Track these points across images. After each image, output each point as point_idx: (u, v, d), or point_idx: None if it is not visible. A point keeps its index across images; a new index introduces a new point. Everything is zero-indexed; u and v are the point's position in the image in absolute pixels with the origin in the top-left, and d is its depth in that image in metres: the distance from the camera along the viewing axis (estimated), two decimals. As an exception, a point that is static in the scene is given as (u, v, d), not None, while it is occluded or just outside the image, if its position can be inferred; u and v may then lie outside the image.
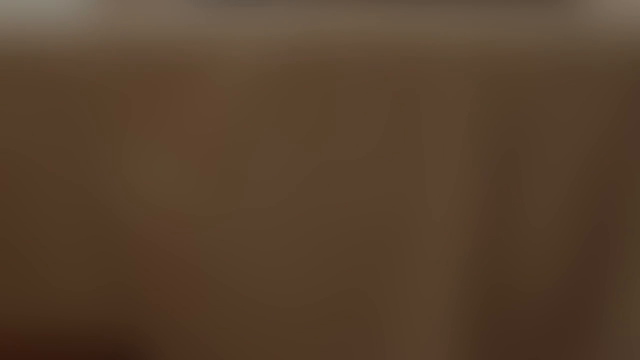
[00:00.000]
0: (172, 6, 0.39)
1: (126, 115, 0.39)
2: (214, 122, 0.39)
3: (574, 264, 0.40)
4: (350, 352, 0.40)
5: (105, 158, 0.40)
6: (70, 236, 0.41)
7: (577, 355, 0.40)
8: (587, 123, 0.37)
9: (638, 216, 0.39)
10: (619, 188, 0.39)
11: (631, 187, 0.39)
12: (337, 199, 0.40)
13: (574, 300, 0.40)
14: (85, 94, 0.39)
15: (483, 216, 0.39)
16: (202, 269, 0.40)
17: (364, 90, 0.37)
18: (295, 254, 0.40)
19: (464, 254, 0.39)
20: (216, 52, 0.37)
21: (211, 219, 0.40)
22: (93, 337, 0.41)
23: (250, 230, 0.40)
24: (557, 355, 0.40)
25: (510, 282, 0.40)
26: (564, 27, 0.36)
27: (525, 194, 0.39)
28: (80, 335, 0.41)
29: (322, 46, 0.36)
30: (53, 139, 0.40)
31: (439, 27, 0.36)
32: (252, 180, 0.40)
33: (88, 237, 0.41)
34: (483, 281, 0.40)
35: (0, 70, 0.38)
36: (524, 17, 0.37)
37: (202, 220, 0.40)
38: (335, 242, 0.40)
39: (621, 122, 0.37)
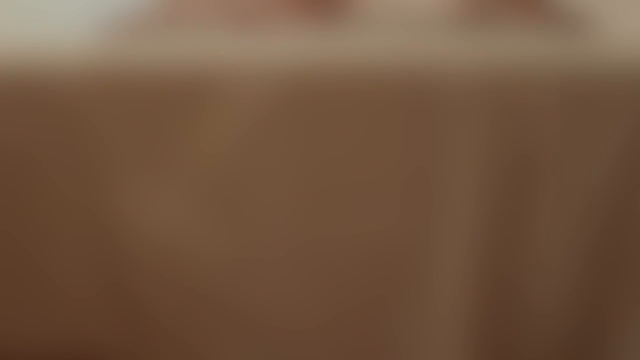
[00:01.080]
0: (173, 38, 0.39)
1: (130, 146, 0.39)
2: (219, 154, 0.39)
3: (583, 293, 0.40)
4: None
5: (109, 189, 0.41)
6: (74, 268, 0.42)
7: None
8: (599, 150, 0.38)
9: None
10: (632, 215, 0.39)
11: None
12: (345, 230, 0.40)
13: (583, 328, 0.41)
14: (91, 124, 0.39)
15: (493, 245, 0.40)
16: (206, 299, 0.41)
17: (372, 119, 0.37)
18: (301, 285, 0.41)
19: (474, 282, 0.40)
20: (221, 84, 0.37)
21: (216, 250, 0.41)
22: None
23: (257, 263, 0.41)
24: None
25: (519, 316, 0.40)
26: (576, 53, 0.36)
27: (537, 222, 0.39)
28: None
29: (328, 75, 0.37)
30: (58, 166, 0.41)
31: (449, 53, 0.36)
32: (258, 214, 0.41)
33: (92, 267, 0.42)
34: (492, 313, 0.41)
35: (10, 97, 0.38)
36: (536, 45, 0.37)
37: (206, 251, 0.41)
38: (343, 272, 0.41)
39: (633, 148, 0.38)
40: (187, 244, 0.42)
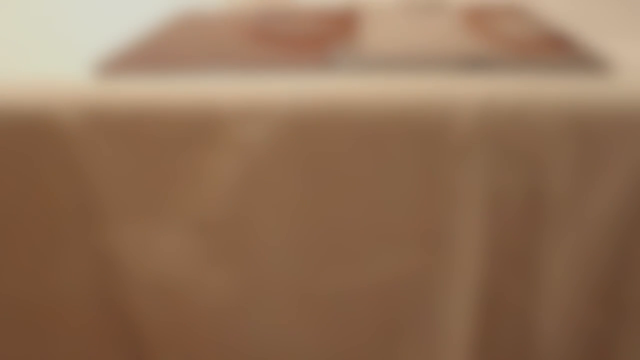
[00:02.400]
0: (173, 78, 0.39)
1: (129, 185, 0.40)
2: (220, 193, 0.39)
3: (589, 331, 0.40)
4: None
5: (108, 227, 0.41)
6: (74, 303, 0.42)
7: None
8: (607, 187, 0.38)
9: None
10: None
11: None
12: (349, 271, 0.41)
13: None
14: (90, 163, 0.39)
15: (499, 283, 0.40)
16: (207, 339, 0.41)
17: (376, 159, 0.37)
18: (302, 325, 0.41)
19: (480, 321, 0.40)
20: (222, 123, 0.37)
21: (217, 290, 0.41)
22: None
23: (259, 303, 0.41)
24: None
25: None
26: (585, 91, 0.37)
27: (543, 260, 0.40)
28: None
29: (330, 114, 0.37)
30: (58, 204, 0.41)
31: (455, 91, 0.36)
32: (260, 254, 0.41)
33: (92, 303, 0.42)
34: (498, 351, 0.41)
35: (11, 135, 0.38)
36: (544, 82, 0.37)
37: (207, 290, 0.41)
38: (346, 314, 0.41)
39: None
40: (187, 284, 0.41)
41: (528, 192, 0.38)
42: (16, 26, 0.50)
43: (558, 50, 0.41)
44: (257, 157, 0.38)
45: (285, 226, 0.40)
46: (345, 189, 0.39)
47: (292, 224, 0.40)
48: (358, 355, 0.40)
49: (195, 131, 0.38)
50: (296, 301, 0.41)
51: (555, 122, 0.36)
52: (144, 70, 0.39)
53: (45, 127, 0.38)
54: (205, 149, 0.38)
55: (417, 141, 0.37)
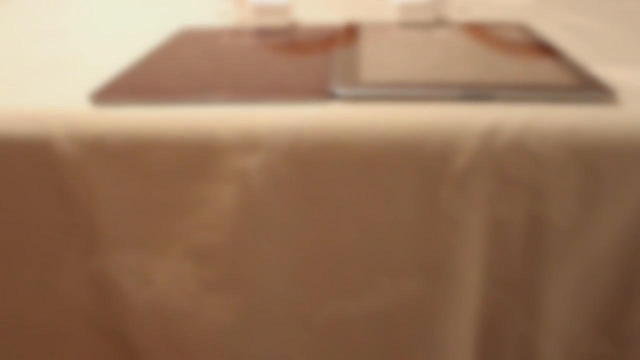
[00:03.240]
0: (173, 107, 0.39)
1: (128, 213, 0.39)
2: (220, 221, 0.39)
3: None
4: None
5: (107, 255, 0.41)
6: (74, 328, 0.42)
7: None
8: (608, 216, 0.37)
9: None
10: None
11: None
12: (351, 297, 0.40)
13: None
14: (89, 191, 0.39)
15: (501, 310, 0.40)
16: None
17: (377, 188, 0.37)
18: (307, 356, 0.41)
19: (481, 348, 0.40)
20: (223, 152, 0.37)
21: (217, 316, 0.40)
22: None
23: (260, 330, 0.41)
24: None
25: None
26: (591, 120, 0.36)
27: (545, 288, 0.39)
28: None
29: (330, 144, 0.36)
30: (58, 232, 0.41)
31: (455, 119, 0.36)
32: (261, 281, 0.40)
33: (92, 328, 0.42)
34: None
35: (14, 163, 0.38)
36: (548, 111, 0.36)
37: (206, 317, 0.41)
38: (347, 340, 0.41)
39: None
40: (184, 311, 0.41)
41: (529, 221, 0.37)
42: (14, 54, 0.50)
43: (561, 77, 0.40)
44: (255, 185, 0.37)
45: (283, 254, 0.40)
46: (344, 218, 0.38)
47: (290, 252, 0.39)
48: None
49: (191, 160, 0.37)
50: (295, 329, 0.41)
51: (557, 152, 0.35)
52: (141, 99, 0.39)
53: (43, 154, 0.38)
54: (202, 178, 0.38)
55: (417, 171, 0.36)
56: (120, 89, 0.40)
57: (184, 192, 0.38)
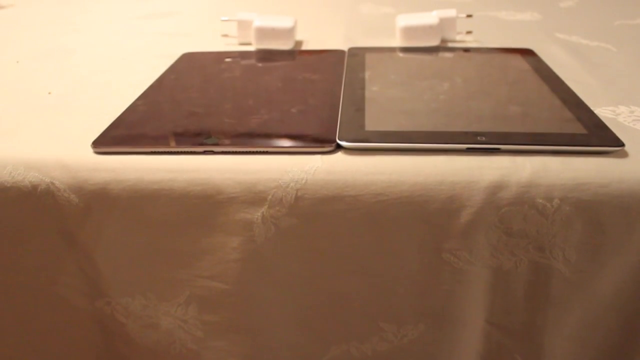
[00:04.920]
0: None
1: (130, 259, 0.39)
2: (223, 268, 0.39)
3: None
4: None
5: (110, 298, 0.41)
6: None
7: None
8: (611, 263, 0.37)
9: None
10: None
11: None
12: (354, 343, 0.41)
13: None
14: (92, 237, 0.39)
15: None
16: None
17: (381, 237, 0.37)
18: None
19: None
20: (225, 200, 0.36)
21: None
22: None
23: None
24: None
25: None
26: (596, 172, 0.36)
27: (545, 332, 0.39)
28: None
29: (333, 193, 0.36)
30: (63, 274, 0.41)
31: (461, 172, 0.36)
32: (264, 327, 0.41)
33: None
34: None
35: (20, 206, 0.38)
36: (551, 162, 0.36)
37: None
38: None
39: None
40: (191, 353, 0.41)
41: (532, 270, 0.37)
42: (17, 102, 0.49)
43: (568, 124, 0.39)
44: (259, 236, 0.37)
45: (287, 301, 0.40)
46: (349, 267, 0.38)
47: (294, 298, 0.40)
48: None
49: (196, 212, 0.37)
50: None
51: (562, 206, 0.35)
52: (143, 149, 0.38)
53: (46, 202, 0.38)
54: (206, 229, 0.38)
55: (422, 224, 0.36)
56: (122, 137, 0.39)
57: (188, 241, 0.38)
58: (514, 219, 0.36)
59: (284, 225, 0.37)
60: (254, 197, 0.36)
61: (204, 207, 0.37)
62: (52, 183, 0.38)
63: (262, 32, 0.59)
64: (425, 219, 0.36)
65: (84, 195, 0.37)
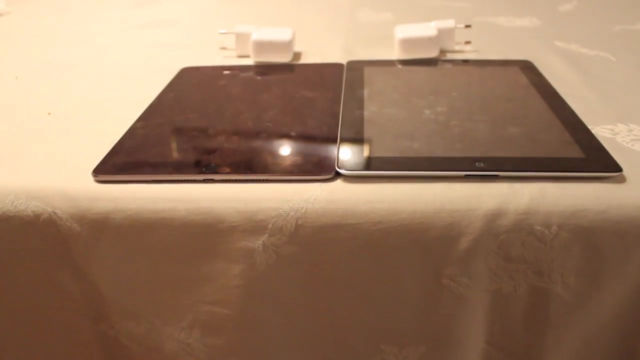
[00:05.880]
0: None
1: (132, 286, 0.40)
2: (226, 294, 0.39)
3: None
4: None
5: (114, 322, 0.41)
6: None
7: None
8: (611, 289, 0.37)
9: None
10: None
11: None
12: None
13: None
14: (95, 264, 0.39)
15: None
16: None
17: (379, 261, 0.37)
18: None
19: None
20: (226, 228, 0.37)
21: None
22: None
23: None
24: None
25: None
26: (595, 197, 0.36)
27: (550, 357, 0.39)
28: None
29: (333, 221, 0.36)
30: (68, 301, 0.41)
31: (460, 199, 0.36)
32: (266, 353, 0.41)
33: None
34: None
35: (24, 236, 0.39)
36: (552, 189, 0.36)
37: None
38: None
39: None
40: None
41: (531, 294, 0.38)
42: (18, 124, 0.49)
43: (566, 147, 0.40)
44: (260, 263, 0.38)
45: (289, 325, 0.40)
46: (349, 293, 0.39)
47: (296, 323, 0.40)
48: None
49: (197, 240, 0.38)
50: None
51: (561, 232, 0.35)
52: (143, 177, 0.39)
53: (49, 231, 0.38)
54: (208, 257, 0.38)
55: (421, 251, 0.37)
56: (123, 165, 0.40)
57: (190, 268, 0.39)
58: (513, 245, 0.36)
59: (285, 253, 0.37)
60: (254, 225, 0.36)
61: (205, 235, 0.37)
62: (54, 212, 0.38)
63: (260, 46, 0.59)
64: (425, 246, 0.36)
65: (86, 224, 0.38)
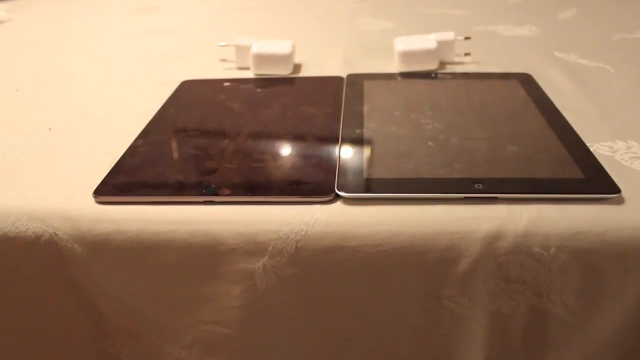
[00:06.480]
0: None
1: (133, 306, 0.40)
2: (226, 315, 0.39)
3: None
4: None
5: (115, 342, 0.42)
6: None
7: None
8: (609, 309, 0.37)
9: None
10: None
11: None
12: None
13: None
14: (96, 283, 0.39)
15: None
16: None
17: (379, 283, 0.37)
18: None
19: None
20: (226, 250, 0.37)
21: None
22: None
23: None
24: None
25: None
26: (593, 219, 0.36)
27: None
28: None
29: (333, 243, 0.36)
30: (71, 315, 0.41)
31: (460, 221, 0.36)
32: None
33: None
34: None
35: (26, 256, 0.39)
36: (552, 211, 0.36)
37: None
38: None
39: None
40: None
41: (530, 313, 0.38)
42: (19, 140, 0.50)
43: (565, 168, 0.40)
44: (260, 284, 0.38)
45: (289, 344, 0.40)
46: (348, 313, 0.39)
47: (295, 342, 0.40)
48: None
49: (197, 262, 0.38)
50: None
51: (559, 254, 0.36)
52: (144, 199, 0.39)
53: (50, 251, 0.39)
54: (208, 278, 0.38)
55: (421, 273, 0.37)
56: (123, 186, 0.40)
57: (190, 290, 0.39)
58: (512, 266, 0.36)
59: (285, 274, 0.37)
60: (254, 248, 0.37)
61: (205, 257, 0.37)
62: (55, 234, 0.38)
63: (260, 59, 0.59)
64: (424, 268, 0.36)
65: (87, 245, 0.38)
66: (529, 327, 0.38)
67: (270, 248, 0.36)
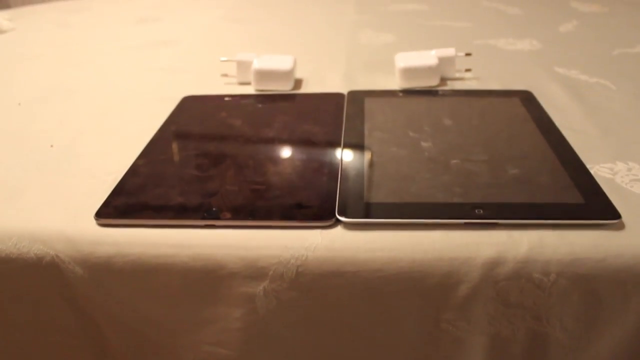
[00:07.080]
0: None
1: (134, 327, 0.40)
2: (227, 336, 0.39)
3: None
4: None
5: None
6: None
7: None
8: (609, 334, 0.37)
9: None
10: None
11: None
12: None
13: None
14: (98, 304, 0.40)
15: None
16: None
17: (379, 307, 0.37)
18: None
19: None
20: (227, 274, 0.37)
21: None
22: None
23: None
24: None
25: None
26: (593, 245, 0.36)
27: None
28: None
29: (333, 265, 0.36)
30: (72, 335, 0.42)
31: (460, 247, 0.36)
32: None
33: None
34: None
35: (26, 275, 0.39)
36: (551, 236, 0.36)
37: None
38: None
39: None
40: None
41: (530, 337, 0.38)
42: (21, 157, 0.50)
43: (565, 192, 0.40)
44: (261, 308, 0.38)
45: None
46: (348, 336, 0.39)
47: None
48: None
49: (198, 285, 0.38)
50: None
51: (559, 280, 0.36)
52: (145, 222, 0.39)
53: (51, 273, 0.39)
54: (209, 301, 0.39)
55: (421, 298, 0.37)
56: (125, 208, 0.40)
57: (191, 312, 0.39)
58: (511, 292, 0.36)
59: (286, 298, 0.37)
60: (255, 272, 0.37)
61: (206, 281, 0.37)
62: (57, 256, 0.38)
63: (261, 75, 0.59)
64: (424, 293, 0.36)
65: (89, 267, 0.38)
66: (529, 351, 0.38)
67: (271, 272, 0.37)
